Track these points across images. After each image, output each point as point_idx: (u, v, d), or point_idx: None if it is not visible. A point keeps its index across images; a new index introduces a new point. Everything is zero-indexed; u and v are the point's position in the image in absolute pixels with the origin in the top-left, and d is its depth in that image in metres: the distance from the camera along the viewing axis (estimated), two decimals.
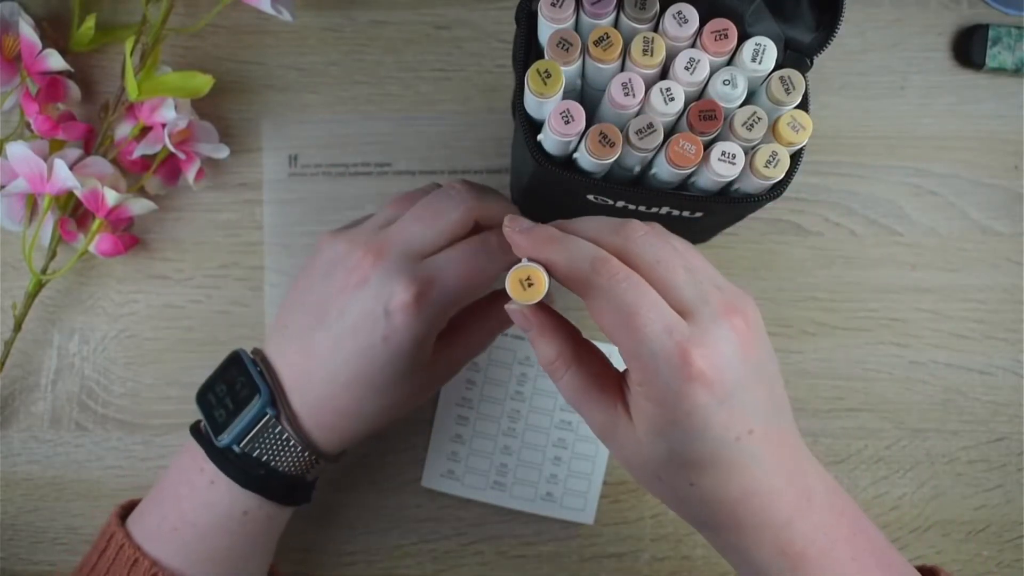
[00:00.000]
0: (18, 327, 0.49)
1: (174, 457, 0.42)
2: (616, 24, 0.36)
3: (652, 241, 0.33)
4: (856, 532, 0.34)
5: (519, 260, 0.34)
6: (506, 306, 0.34)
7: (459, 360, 0.43)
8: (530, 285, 0.32)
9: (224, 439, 0.39)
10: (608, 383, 0.34)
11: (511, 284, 0.32)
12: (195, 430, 0.41)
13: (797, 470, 0.33)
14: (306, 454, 0.40)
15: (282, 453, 0.39)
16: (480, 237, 0.40)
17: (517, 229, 0.35)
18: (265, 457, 0.39)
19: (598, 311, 0.32)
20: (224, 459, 0.39)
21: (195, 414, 0.42)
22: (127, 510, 0.42)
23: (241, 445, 0.39)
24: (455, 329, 0.41)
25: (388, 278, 0.38)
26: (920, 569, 0.37)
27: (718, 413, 0.31)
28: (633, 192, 0.39)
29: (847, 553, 0.33)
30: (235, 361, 0.41)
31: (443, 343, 0.41)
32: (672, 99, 0.35)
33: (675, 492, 0.33)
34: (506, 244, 0.35)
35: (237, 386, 0.40)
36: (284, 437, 0.39)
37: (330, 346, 0.38)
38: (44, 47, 0.47)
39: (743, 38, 0.35)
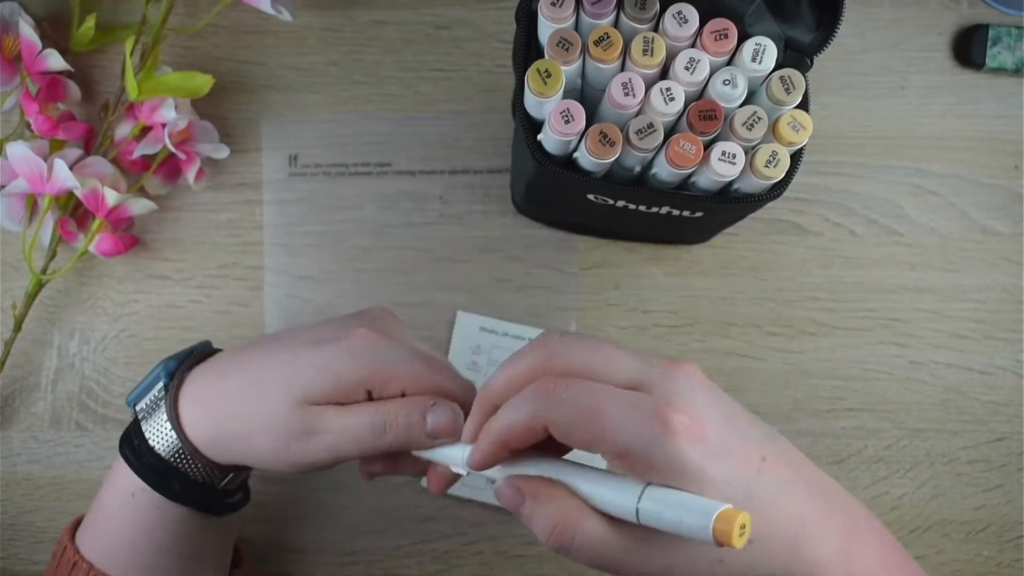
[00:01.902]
0: (18, 327, 0.49)
1: None
2: (616, 24, 0.36)
3: (568, 340, 0.31)
4: (884, 541, 0.33)
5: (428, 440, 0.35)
6: (495, 487, 0.32)
7: (320, 448, 0.36)
8: None
9: (129, 397, 0.39)
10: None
11: None
12: None
13: (824, 490, 0.32)
14: (173, 434, 0.37)
15: (157, 425, 0.37)
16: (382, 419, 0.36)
17: (477, 455, 0.32)
18: (148, 433, 0.37)
19: (564, 430, 0.30)
20: (126, 431, 0.39)
21: None
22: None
23: (138, 407, 0.38)
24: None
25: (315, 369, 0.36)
26: None
27: (723, 457, 0.29)
28: (633, 192, 0.39)
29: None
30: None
31: (327, 415, 0.36)
32: (672, 99, 0.35)
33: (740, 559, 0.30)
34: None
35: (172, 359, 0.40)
36: (161, 400, 0.37)
37: (243, 381, 0.37)
38: (44, 47, 0.47)
39: (743, 38, 0.35)
